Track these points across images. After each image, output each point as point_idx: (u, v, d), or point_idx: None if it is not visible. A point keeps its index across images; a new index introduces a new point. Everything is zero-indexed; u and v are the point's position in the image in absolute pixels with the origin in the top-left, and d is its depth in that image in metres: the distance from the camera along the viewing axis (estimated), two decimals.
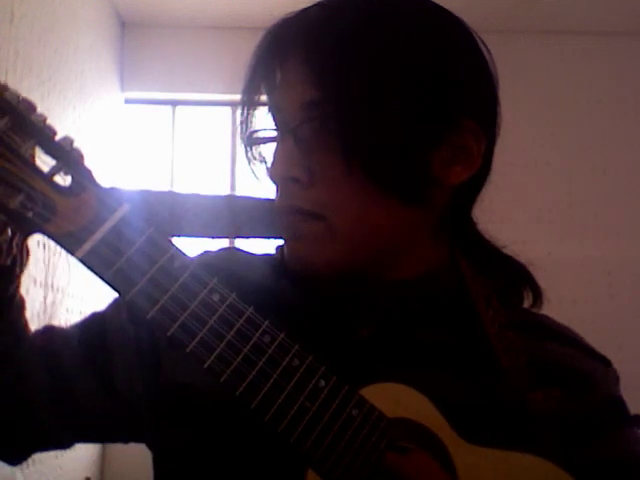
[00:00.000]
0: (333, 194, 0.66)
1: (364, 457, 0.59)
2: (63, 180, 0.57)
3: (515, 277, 0.76)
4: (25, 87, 2.56)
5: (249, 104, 0.71)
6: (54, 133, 0.58)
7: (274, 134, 0.71)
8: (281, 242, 0.76)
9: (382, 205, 0.66)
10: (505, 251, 0.77)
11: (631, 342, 3.74)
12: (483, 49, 0.71)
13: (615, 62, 4.11)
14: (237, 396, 0.57)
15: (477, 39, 0.71)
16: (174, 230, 0.72)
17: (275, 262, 0.76)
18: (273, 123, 0.71)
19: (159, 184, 4.10)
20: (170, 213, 0.71)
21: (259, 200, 0.76)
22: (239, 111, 0.72)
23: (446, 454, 0.61)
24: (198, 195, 0.76)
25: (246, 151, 0.73)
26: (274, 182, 0.69)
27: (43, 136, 0.57)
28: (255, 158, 0.73)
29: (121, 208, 0.57)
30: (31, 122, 0.56)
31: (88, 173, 0.58)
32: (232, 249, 0.80)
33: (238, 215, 0.75)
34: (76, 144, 0.58)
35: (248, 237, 0.77)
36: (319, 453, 0.58)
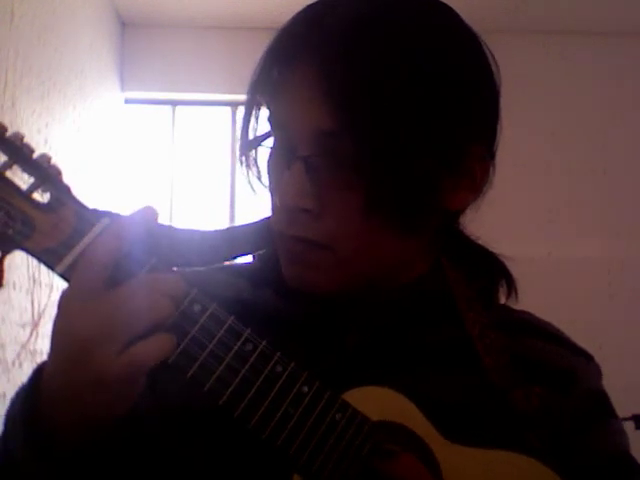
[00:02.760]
0: (343, 227, 0.65)
1: (349, 460, 0.59)
2: (42, 197, 0.57)
3: (490, 269, 0.76)
4: (25, 87, 2.56)
5: (251, 113, 0.70)
6: (32, 151, 0.58)
7: (273, 144, 0.70)
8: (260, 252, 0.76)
9: (389, 236, 0.67)
10: (480, 242, 0.77)
11: (631, 342, 3.74)
12: (493, 64, 0.71)
13: (615, 62, 4.10)
14: (221, 405, 0.57)
15: (489, 54, 0.71)
16: (171, 262, 0.71)
17: (254, 272, 0.76)
18: (273, 131, 0.70)
19: (159, 185, 4.10)
20: (168, 246, 0.70)
21: (256, 223, 0.76)
22: (240, 116, 0.71)
23: (430, 455, 0.62)
24: (196, 230, 0.74)
25: (241, 160, 0.73)
26: (281, 208, 0.67)
27: (21, 154, 0.57)
28: (250, 166, 0.73)
29: (100, 223, 0.57)
30: (8, 141, 0.57)
31: (66, 189, 0.58)
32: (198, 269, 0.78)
33: (236, 242, 0.75)
34: (54, 161, 0.58)
35: (243, 255, 0.76)
36: (304, 458, 0.58)
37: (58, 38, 2.96)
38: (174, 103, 4.17)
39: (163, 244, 0.68)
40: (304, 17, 0.68)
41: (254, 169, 0.73)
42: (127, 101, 4.10)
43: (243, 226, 0.76)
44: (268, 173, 0.71)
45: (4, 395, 2.28)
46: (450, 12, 0.70)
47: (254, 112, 0.70)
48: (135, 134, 4.15)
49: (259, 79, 0.68)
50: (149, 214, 0.58)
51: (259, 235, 0.74)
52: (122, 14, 3.97)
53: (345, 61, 0.62)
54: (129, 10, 3.93)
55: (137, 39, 4.06)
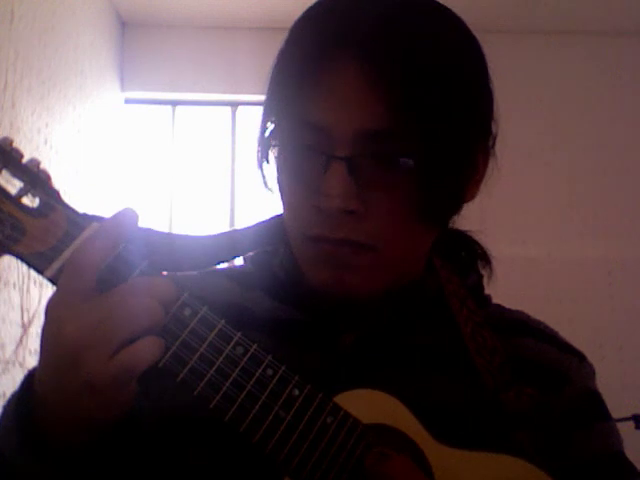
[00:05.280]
0: (388, 227, 0.65)
1: (341, 464, 0.59)
2: (32, 202, 0.58)
3: (469, 252, 0.77)
4: (25, 87, 2.56)
5: (278, 109, 0.66)
6: (21, 156, 0.58)
7: (292, 145, 0.66)
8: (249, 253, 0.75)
9: (426, 234, 0.69)
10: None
11: (631, 342, 3.74)
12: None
13: (615, 62, 4.11)
14: (211, 408, 0.57)
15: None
16: (174, 267, 0.71)
17: (246, 275, 0.75)
18: (298, 132, 0.65)
19: (158, 185, 4.10)
20: (168, 253, 0.69)
21: (259, 224, 0.75)
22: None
23: (422, 458, 0.62)
24: (196, 237, 0.73)
25: (260, 156, 0.70)
26: (319, 211, 0.64)
27: (10, 159, 0.57)
28: (265, 165, 0.70)
29: (90, 227, 0.57)
30: None
31: (56, 193, 0.58)
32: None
33: (237, 244, 0.74)
34: (43, 166, 0.58)
35: (244, 254, 0.76)
36: (295, 462, 0.58)
37: (58, 38, 2.96)
38: (174, 103, 4.17)
39: (161, 251, 0.68)
40: (331, 12, 0.65)
41: (269, 168, 0.71)
42: (127, 101, 4.10)
43: (244, 230, 0.75)
44: (284, 176, 0.68)
45: (4, 395, 2.28)
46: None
47: (276, 112, 0.67)
48: (135, 134, 4.15)
49: (288, 80, 0.65)
50: (129, 216, 0.57)
51: (262, 237, 0.74)
52: (122, 14, 3.97)
53: (400, 59, 0.61)
54: (129, 10, 3.93)
55: (137, 39, 4.06)
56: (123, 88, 4.04)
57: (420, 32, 0.63)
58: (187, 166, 4.15)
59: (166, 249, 0.68)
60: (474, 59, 0.68)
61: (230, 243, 0.73)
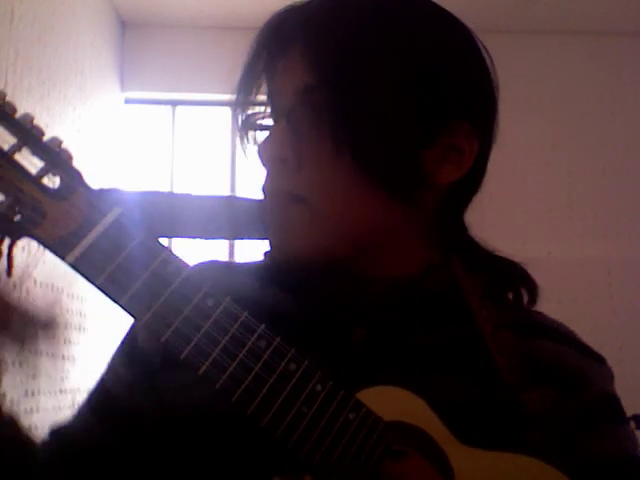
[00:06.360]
0: (319, 179, 0.66)
1: (361, 461, 0.58)
2: (52, 182, 0.55)
3: (511, 276, 0.75)
4: (25, 87, 2.56)
5: (247, 91, 0.72)
6: (42, 134, 0.56)
7: (270, 121, 0.72)
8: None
9: (368, 197, 0.66)
10: (499, 253, 0.77)
11: (631, 342, 3.74)
12: (483, 51, 0.71)
13: (615, 62, 4.10)
14: (233, 402, 0.56)
15: (477, 40, 0.71)
16: (173, 231, 0.71)
17: (262, 269, 0.76)
18: (270, 110, 0.72)
19: (159, 184, 4.10)
20: (169, 214, 0.70)
21: (258, 201, 0.76)
22: (236, 95, 0.73)
23: (443, 457, 0.61)
24: (197, 196, 0.75)
25: (241, 137, 0.73)
26: (263, 162, 0.70)
27: (30, 137, 0.55)
28: (250, 143, 0.74)
29: (112, 212, 0.56)
30: (17, 122, 0.54)
31: (77, 174, 0.56)
32: (210, 263, 0.78)
33: (237, 216, 0.75)
34: (65, 144, 0.56)
35: (247, 238, 0.76)
36: (316, 458, 0.57)
37: (58, 38, 2.95)
38: (174, 103, 4.17)
39: (164, 214, 0.68)
40: (294, 5, 0.71)
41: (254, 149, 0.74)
42: (127, 101, 4.10)
43: (244, 199, 0.76)
44: None
45: (4, 395, 2.28)
46: None
47: (250, 94, 0.72)
48: (135, 134, 4.15)
49: (254, 64, 0.72)
50: None
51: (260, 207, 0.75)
52: (122, 14, 3.97)
53: (322, 19, 0.67)
54: (129, 10, 3.93)
55: (137, 39, 4.06)
56: (123, 88, 4.04)
57: (350, 24, 0.67)
58: (187, 166, 4.15)
59: (167, 212, 0.69)
60: (398, 26, 0.68)
61: (229, 210, 0.75)
